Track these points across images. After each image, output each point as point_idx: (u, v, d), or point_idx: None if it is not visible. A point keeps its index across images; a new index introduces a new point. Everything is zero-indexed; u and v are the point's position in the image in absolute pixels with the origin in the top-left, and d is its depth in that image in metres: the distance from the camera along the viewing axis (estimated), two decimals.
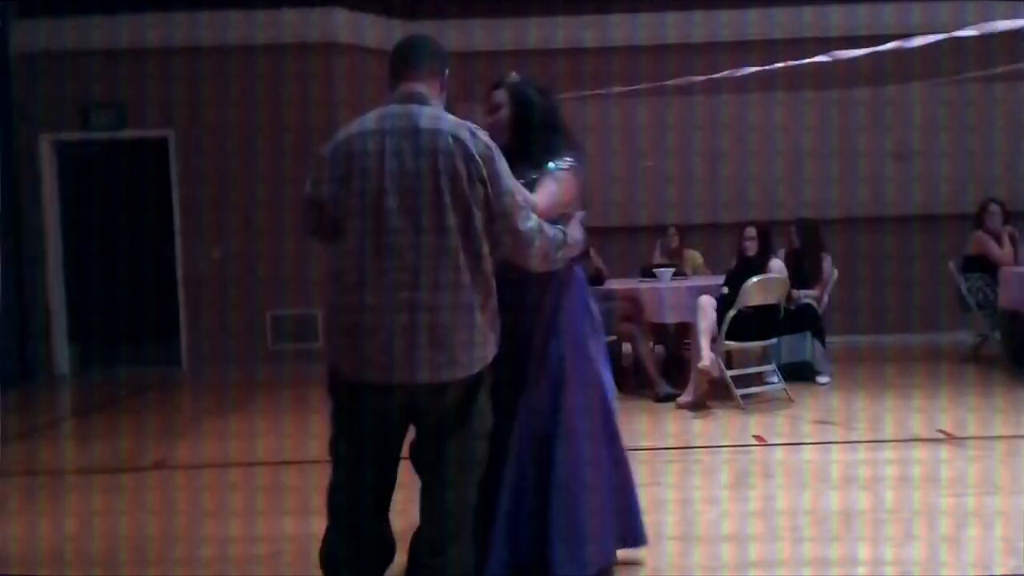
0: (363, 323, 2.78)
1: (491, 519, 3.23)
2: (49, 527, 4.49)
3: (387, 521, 2.97)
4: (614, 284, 7.73)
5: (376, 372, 2.77)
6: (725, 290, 6.89)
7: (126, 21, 9.54)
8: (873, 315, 9.96)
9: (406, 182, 2.74)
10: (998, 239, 7.96)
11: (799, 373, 7.49)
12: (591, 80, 9.35)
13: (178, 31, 9.57)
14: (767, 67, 7.03)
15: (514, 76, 3.39)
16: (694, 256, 8.73)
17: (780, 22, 10.09)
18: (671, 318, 7.28)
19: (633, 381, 7.44)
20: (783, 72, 7.74)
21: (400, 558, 2.93)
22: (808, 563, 3.62)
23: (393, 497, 2.90)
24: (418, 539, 2.91)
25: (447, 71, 3.02)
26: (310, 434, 6.38)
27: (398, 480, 2.88)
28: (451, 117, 2.87)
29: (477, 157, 2.76)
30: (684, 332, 7.52)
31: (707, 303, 6.72)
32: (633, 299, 7.18)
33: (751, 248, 7.02)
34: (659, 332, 7.98)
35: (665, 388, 7.02)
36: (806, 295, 7.60)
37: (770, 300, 6.76)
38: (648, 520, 3.56)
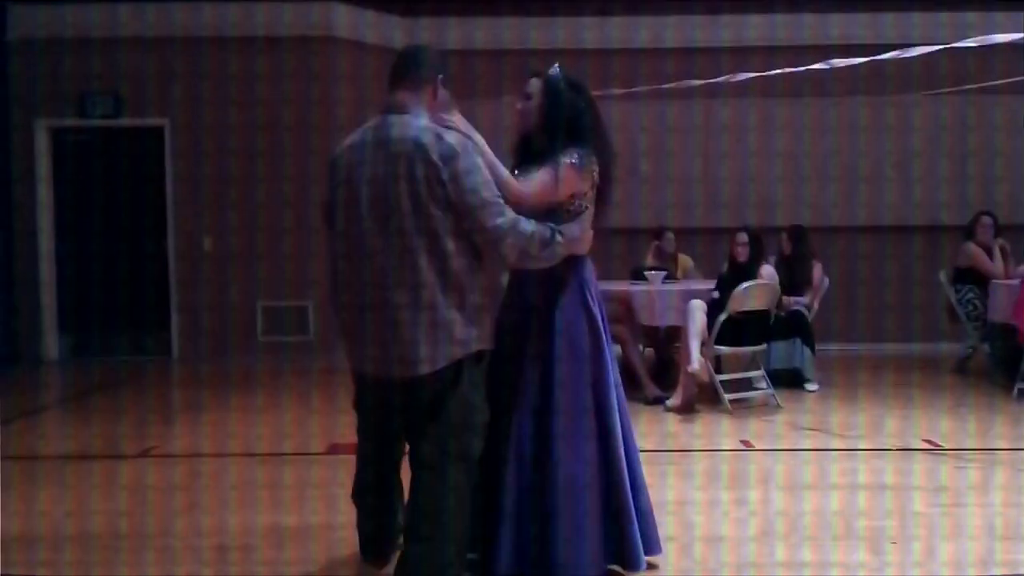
0: (348, 321, 3.03)
1: (495, 520, 3.24)
2: (22, 517, 4.46)
3: (391, 500, 3.28)
4: (604, 286, 7.71)
5: (369, 365, 3.01)
6: (716, 295, 6.90)
7: (126, 9, 9.55)
8: (872, 324, 9.98)
9: (375, 189, 2.93)
10: (989, 252, 7.96)
11: (791, 379, 7.50)
12: (591, 80, 9.30)
13: (178, 21, 9.57)
14: (766, 73, 7.03)
15: (555, 69, 3.38)
16: (685, 260, 8.73)
17: (780, 28, 10.09)
18: (661, 321, 7.27)
19: (623, 383, 7.40)
20: (783, 78, 7.75)
21: None
22: (782, 564, 3.61)
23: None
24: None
25: (442, 76, 3.08)
26: (300, 426, 6.39)
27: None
28: (421, 123, 2.95)
29: (436, 159, 2.86)
30: (674, 335, 7.52)
31: (697, 307, 6.72)
32: (624, 301, 7.17)
33: (742, 254, 7.03)
34: (649, 335, 7.99)
35: (654, 391, 7.02)
36: (797, 302, 7.62)
37: (760, 306, 6.77)
38: None
